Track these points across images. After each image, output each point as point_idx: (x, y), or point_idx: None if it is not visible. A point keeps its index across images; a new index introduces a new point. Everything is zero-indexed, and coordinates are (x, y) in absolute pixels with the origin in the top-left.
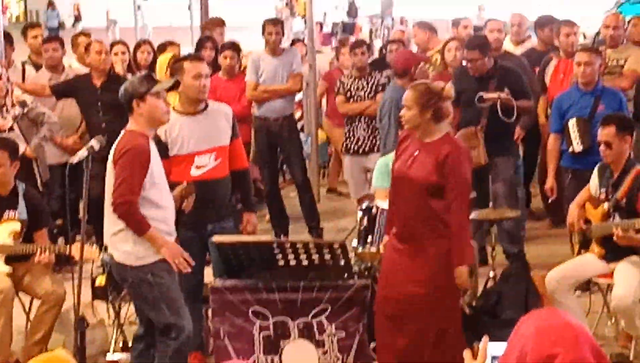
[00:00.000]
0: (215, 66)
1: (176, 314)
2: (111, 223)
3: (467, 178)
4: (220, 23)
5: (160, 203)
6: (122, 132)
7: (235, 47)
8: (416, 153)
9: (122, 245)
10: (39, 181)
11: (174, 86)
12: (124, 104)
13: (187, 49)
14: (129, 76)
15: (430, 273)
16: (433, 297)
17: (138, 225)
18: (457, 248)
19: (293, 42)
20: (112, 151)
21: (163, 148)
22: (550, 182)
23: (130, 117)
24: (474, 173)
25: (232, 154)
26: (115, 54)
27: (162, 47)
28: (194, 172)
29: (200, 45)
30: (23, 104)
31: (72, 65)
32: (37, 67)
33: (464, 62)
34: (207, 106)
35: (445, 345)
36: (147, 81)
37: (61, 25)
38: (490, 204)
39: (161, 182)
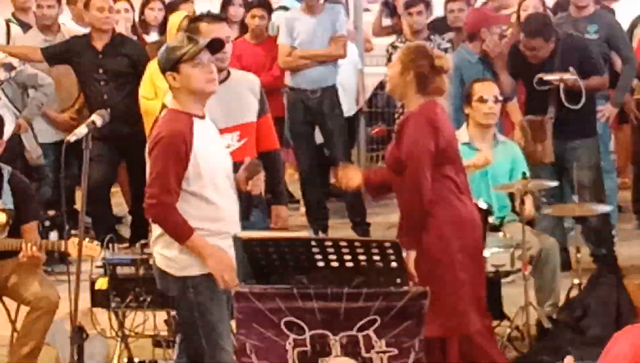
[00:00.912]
0: (242, 25)
1: (213, 347)
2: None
3: (412, 148)
4: None
5: (212, 197)
6: (163, 111)
7: (265, 4)
8: (397, 128)
9: (165, 250)
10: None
11: (213, 46)
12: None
13: (205, 5)
14: (134, 38)
15: (425, 267)
16: (437, 295)
17: (176, 231)
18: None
19: None
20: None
21: None
22: None
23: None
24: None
25: (260, 134)
26: (117, 11)
27: (173, 5)
28: None
29: (226, 0)
30: (9, 66)
31: (67, 25)
32: (25, 26)
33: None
34: (228, 75)
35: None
36: (180, 46)
37: None
38: (575, 197)
39: (214, 171)
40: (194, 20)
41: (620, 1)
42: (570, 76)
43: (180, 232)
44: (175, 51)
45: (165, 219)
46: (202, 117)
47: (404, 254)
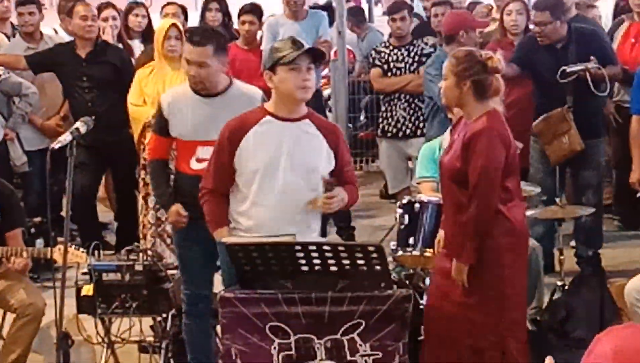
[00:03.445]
0: (226, 32)
1: None
2: None
3: (487, 163)
4: None
5: (251, 195)
6: None
7: (255, 10)
8: (457, 137)
9: None
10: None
11: (316, 54)
12: (213, 95)
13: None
14: (120, 45)
15: (475, 280)
16: (485, 308)
17: (209, 217)
18: (459, 240)
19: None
20: None
21: (163, 124)
22: (637, 174)
23: None
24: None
25: None
26: (104, 19)
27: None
28: (194, 165)
29: (205, 6)
30: None
31: (59, 32)
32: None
33: (532, 27)
34: (228, 87)
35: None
36: (282, 48)
37: None
38: (558, 199)
39: (259, 171)
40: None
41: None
42: (594, 65)
43: (211, 220)
44: (277, 52)
45: (203, 204)
46: (287, 119)
47: (458, 265)
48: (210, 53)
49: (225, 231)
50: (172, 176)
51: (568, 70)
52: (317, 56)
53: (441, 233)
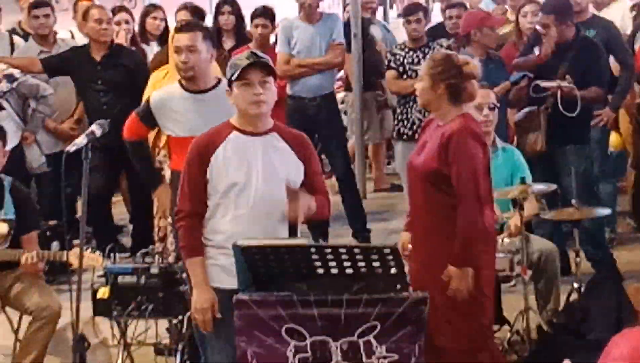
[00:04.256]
0: (238, 35)
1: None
2: None
3: (473, 164)
4: None
5: (220, 211)
6: None
7: (268, 13)
8: (428, 138)
9: None
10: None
11: (259, 65)
12: (203, 91)
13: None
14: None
15: (441, 283)
16: (465, 311)
17: (184, 243)
18: (457, 246)
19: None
20: None
21: (149, 115)
22: None
23: None
24: (534, 163)
25: None
26: (118, 23)
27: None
28: None
29: (217, 9)
30: (11, 78)
31: (75, 35)
32: (28, 37)
33: (537, 27)
34: (218, 83)
35: None
36: (233, 63)
37: None
38: (574, 201)
39: (231, 189)
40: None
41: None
42: (568, 84)
43: (182, 248)
44: (231, 68)
45: (179, 228)
46: (253, 133)
47: (454, 270)
48: (200, 38)
49: (198, 261)
50: (167, 177)
51: (541, 85)
52: (271, 68)
53: (405, 236)
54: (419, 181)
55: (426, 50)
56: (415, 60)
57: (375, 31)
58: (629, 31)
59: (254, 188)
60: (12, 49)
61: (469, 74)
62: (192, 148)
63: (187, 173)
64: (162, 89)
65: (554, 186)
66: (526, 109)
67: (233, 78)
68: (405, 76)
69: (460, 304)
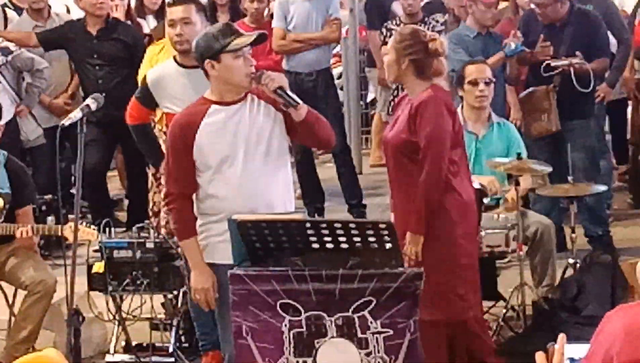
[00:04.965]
0: (233, 9)
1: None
2: None
3: (436, 131)
4: None
5: (219, 192)
6: None
7: None
8: (400, 113)
9: None
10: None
11: (259, 40)
12: (199, 65)
13: None
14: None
15: (428, 254)
16: (440, 280)
17: (176, 225)
18: (413, 212)
19: None
20: None
21: (148, 96)
22: None
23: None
24: (546, 142)
25: None
26: None
27: None
28: None
29: None
30: (6, 51)
31: (71, 9)
32: (20, 11)
33: (532, 6)
34: None
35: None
36: (222, 35)
37: None
38: (570, 178)
39: (223, 162)
40: (168, 4)
41: None
42: (579, 61)
43: (177, 229)
44: (219, 40)
45: (171, 211)
46: (234, 102)
47: (410, 236)
48: (193, 10)
49: (193, 242)
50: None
51: (552, 64)
52: (259, 40)
53: (391, 216)
54: (392, 155)
55: (421, 25)
56: None
57: (397, 8)
58: (626, 7)
59: (242, 158)
60: (6, 23)
61: (434, 50)
62: (173, 129)
63: (171, 154)
64: (156, 67)
65: (549, 168)
66: (530, 89)
67: (228, 50)
68: None
69: (433, 275)
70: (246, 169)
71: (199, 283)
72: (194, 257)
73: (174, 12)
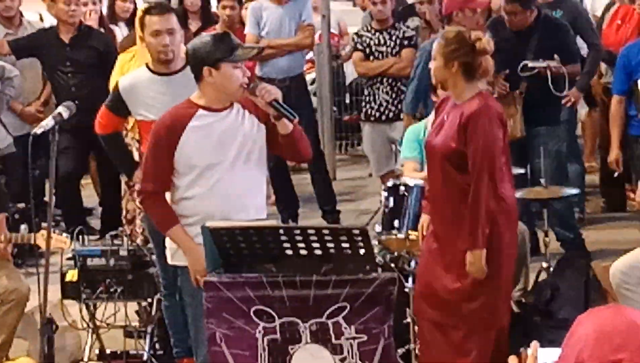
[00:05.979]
0: (204, 16)
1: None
2: None
3: (489, 144)
4: None
5: (196, 195)
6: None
7: None
8: (445, 118)
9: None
10: None
11: (259, 54)
12: (191, 68)
13: None
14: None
15: (457, 264)
16: (472, 293)
17: (157, 218)
18: (469, 228)
19: None
20: None
21: (120, 104)
22: (615, 153)
23: (197, 84)
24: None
25: None
26: (85, 4)
27: None
28: None
29: None
30: None
31: (44, 18)
32: None
33: (502, 14)
34: (185, 65)
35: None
36: (224, 44)
37: None
38: (542, 180)
39: (208, 167)
40: (144, 12)
41: None
42: (556, 64)
43: (161, 221)
44: (221, 49)
45: (148, 208)
46: (221, 110)
47: (475, 253)
48: (174, 19)
49: (178, 229)
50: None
51: (530, 64)
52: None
53: (425, 218)
54: (438, 161)
55: (392, 31)
56: (382, 41)
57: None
58: (597, 12)
59: (228, 165)
60: None
61: (482, 50)
62: (158, 129)
63: (152, 154)
64: (128, 75)
65: (521, 170)
66: (497, 94)
67: (228, 59)
68: (372, 58)
69: (473, 287)
70: (226, 175)
71: (198, 265)
72: (185, 242)
73: (159, 22)
